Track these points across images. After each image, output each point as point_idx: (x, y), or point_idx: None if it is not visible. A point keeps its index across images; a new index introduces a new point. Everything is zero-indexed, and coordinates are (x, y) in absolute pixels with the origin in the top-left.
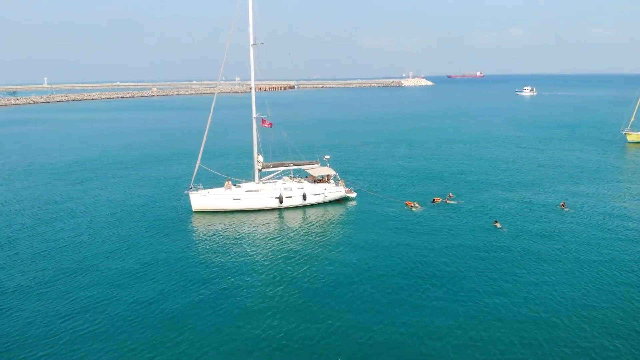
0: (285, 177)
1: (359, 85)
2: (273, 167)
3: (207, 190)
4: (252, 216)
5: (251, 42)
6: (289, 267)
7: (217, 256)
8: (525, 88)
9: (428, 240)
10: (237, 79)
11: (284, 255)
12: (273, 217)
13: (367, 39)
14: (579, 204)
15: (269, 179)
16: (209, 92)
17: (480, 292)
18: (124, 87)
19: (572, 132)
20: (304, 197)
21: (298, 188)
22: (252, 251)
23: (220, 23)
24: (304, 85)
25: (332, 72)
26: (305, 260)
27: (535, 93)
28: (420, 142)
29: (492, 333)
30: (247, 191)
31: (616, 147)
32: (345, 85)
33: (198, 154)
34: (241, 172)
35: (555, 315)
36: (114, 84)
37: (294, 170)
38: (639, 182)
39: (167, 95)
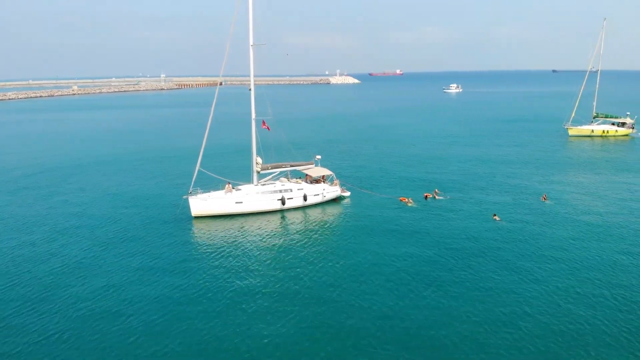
0: (283, 178)
1: (287, 82)
2: (271, 168)
3: (207, 194)
4: (255, 219)
5: (251, 43)
6: (302, 268)
7: (229, 261)
8: (451, 85)
9: (436, 233)
10: (163, 75)
11: (296, 256)
12: (276, 218)
13: (288, 37)
14: (558, 194)
15: (267, 180)
16: (132, 89)
17: (500, 282)
18: (36, 85)
19: (521, 127)
20: (305, 198)
21: (298, 189)
22: (264, 254)
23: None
24: (231, 82)
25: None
26: (316, 260)
27: (460, 90)
28: (382, 140)
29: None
30: (248, 194)
31: (560, 140)
32: (275, 82)
33: (164, 157)
34: (234, 174)
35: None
36: (27, 82)
37: (289, 171)
38: (590, 172)
39: (88, 93)
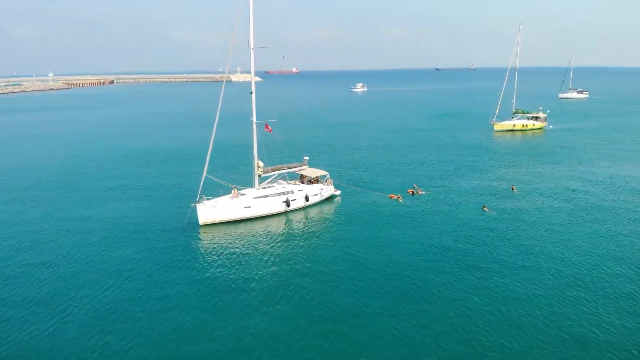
0: (280, 180)
1: (185, 79)
2: (271, 171)
3: (214, 201)
4: (263, 223)
5: (252, 45)
6: (324, 269)
7: (249, 270)
8: (357, 84)
9: (433, 227)
10: (51, 74)
11: (317, 258)
12: (282, 220)
13: (175, 32)
14: (524, 185)
15: (267, 183)
16: (17, 90)
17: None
18: None
19: (449, 124)
20: (307, 199)
21: (299, 190)
22: (287, 258)
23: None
24: (125, 80)
25: (145, 65)
26: (334, 259)
27: (366, 89)
28: (337, 139)
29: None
30: (256, 197)
31: (486, 135)
32: (172, 80)
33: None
34: (230, 176)
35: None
36: None
37: (286, 173)
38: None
39: None
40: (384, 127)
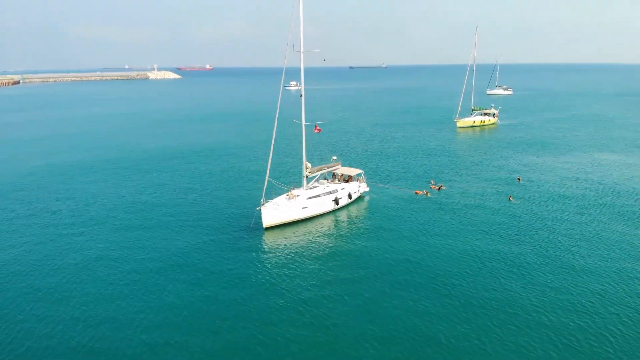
0: (321, 180)
1: (99, 78)
2: (316, 171)
3: (274, 203)
4: (317, 222)
5: (302, 49)
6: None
7: (332, 271)
8: (291, 83)
9: (468, 220)
10: None
11: (376, 253)
12: (333, 219)
13: (74, 28)
14: (529, 174)
15: (312, 183)
16: None
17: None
18: None
19: (414, 121)
20: (350, 196)
21: (341, 189)
22: (358, 256)
23: None
24: (32, 80)
25: (52, 64)
26: (409, 252)
27: (298, 87)
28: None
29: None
30: (309, 198)
31: (451, 131)
32: (84, 79)
33: None
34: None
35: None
36: None
37: (326, 172)
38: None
39: None
40: (355, 125)
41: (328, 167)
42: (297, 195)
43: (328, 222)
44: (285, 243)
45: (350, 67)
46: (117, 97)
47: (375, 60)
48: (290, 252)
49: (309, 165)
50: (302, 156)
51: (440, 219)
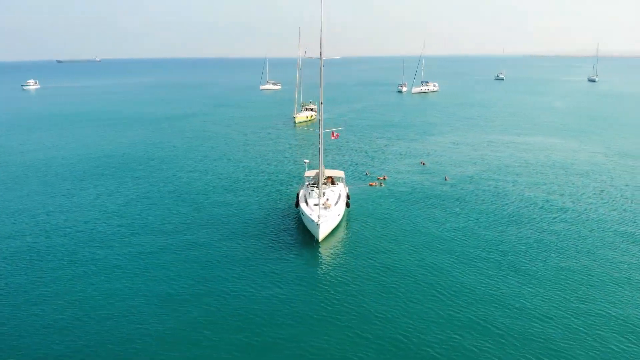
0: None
1: None
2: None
3: (322, 216)
4: (339, 227)
5: (322, 56)
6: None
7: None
8: (29, 81)
9: (460, 207)
10: None
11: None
12: (348, 221)
13: None
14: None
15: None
16: None
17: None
18: None
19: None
20: (348, 197)
21: (340, 191)
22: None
23: None
24: None
25: None
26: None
27: (39, 86)
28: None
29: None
30: (338, 203)
31: (290, 126)
32: None
33: None
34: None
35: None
36: None
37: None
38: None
39: None
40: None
41: (325, 171)
42: (330, 205)
43: (344, 224)
44: (339, 253)
45: (59, 61)
46: None
47: (87, 54)
48: (346, 266)
49: (324, 171)
50: (315, 162)
51: (445, 209)
